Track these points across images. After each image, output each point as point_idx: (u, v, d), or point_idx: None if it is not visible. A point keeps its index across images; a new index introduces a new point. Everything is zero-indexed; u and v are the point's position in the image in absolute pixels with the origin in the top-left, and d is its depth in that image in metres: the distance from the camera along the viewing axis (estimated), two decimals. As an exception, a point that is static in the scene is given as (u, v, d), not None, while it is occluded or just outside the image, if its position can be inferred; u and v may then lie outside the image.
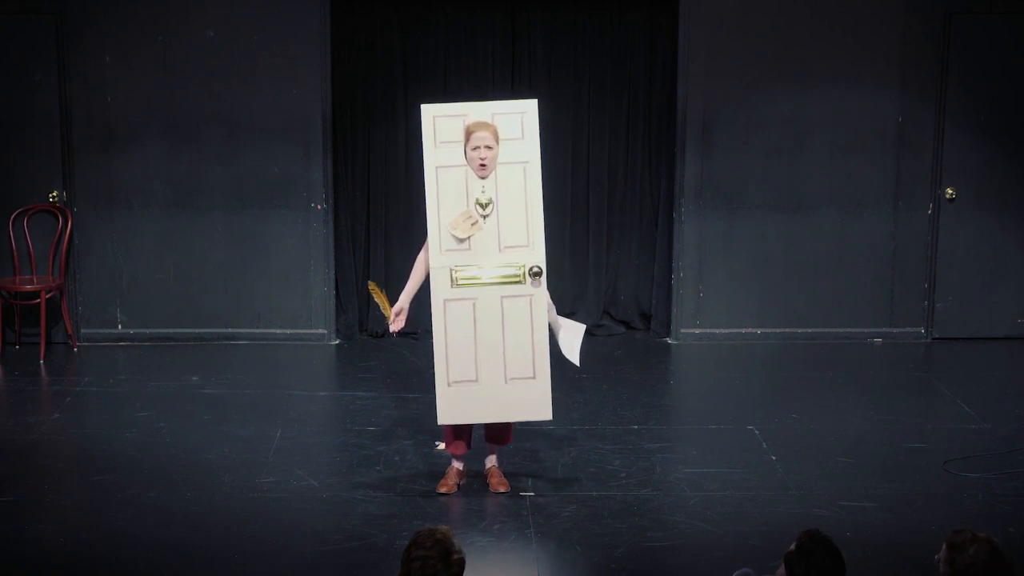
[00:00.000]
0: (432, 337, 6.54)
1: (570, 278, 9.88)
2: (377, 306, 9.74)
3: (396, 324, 6.69)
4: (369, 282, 7.33)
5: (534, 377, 6.53)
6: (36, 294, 9.15)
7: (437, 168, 6.46)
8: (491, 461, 6.82)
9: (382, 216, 9.70)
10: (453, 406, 6.51)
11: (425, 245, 6.57)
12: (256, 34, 9.20)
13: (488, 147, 6.42)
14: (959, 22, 9.29)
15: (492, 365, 6.50)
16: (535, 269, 6.49)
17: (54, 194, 9.28)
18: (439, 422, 6.58)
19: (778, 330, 9.61)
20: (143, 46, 9.17)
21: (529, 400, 6.54)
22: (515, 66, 9.60)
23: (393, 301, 9.99)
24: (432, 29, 9.54)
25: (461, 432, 6.69)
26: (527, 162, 6.50)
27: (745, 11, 9.28)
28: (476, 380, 6.50)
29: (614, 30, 9.57)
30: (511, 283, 6.49)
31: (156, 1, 9.13)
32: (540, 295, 6.52)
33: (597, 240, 9.84)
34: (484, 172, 6.45)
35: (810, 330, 9.62)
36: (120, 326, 9.48)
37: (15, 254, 9.25)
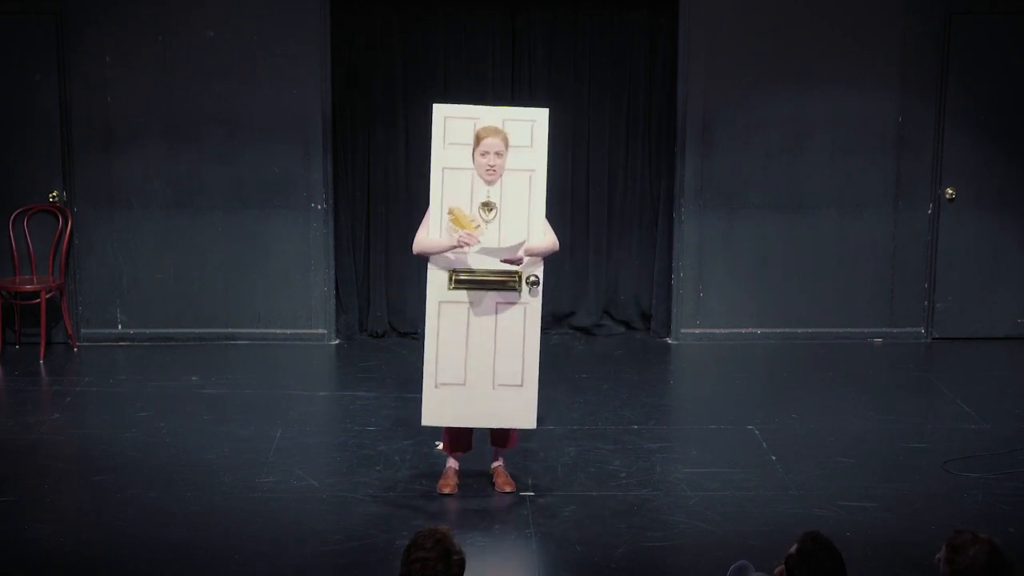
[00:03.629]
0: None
1: (570, 278, 9.87)
2: (378, 305, 9.78)
3: (473, 237, 6.36)
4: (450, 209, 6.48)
5: (522, 385, 6.53)
6: (36, 294, 9.15)
7: (444, 169, 6.44)
8: (497, 461, 6.82)
9: (382, 216, 9.70)
10: (438, 408, 6.52)
11: (423, 224, 6.48)
12: (256, 34, 9.20)
13: (498, 154, 6.38)
14: (959, 22, 9.28)
15: (481, 370, 6.50)
16: (532, 279, 6.47)
17: (54, 194, 9.28)
18: (423, 423, 6.60)
19: (778, 330, 9.61)
20: (143, 46, 9.17)
21: (514, 408, 6.54)
22: (515, 66, 9.60)
23: (397, 299, 10.00)
24: (432, 29, 9.53)
25: (460, 433, 6.69)
26: (533, 171, 6.47)
27: (745, 11, 9.28)
28: (464, 384, 6.50)
29: (614, 30, 9.56)
30: (507, 290, 6.48)
31: (156, 1, 9.13)
32: (535, 304, 6.51)
33: (597, 240, 9.84)
34: (492, 178, 6.42)
35: (810, 330, 9.61)
36: (120, 326, 9.48)
37: (15, 254, 9.25)
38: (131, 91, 9.20)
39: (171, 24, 9.15)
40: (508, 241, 6.42)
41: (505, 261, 6.41)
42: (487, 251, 6.39)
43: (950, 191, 9.48)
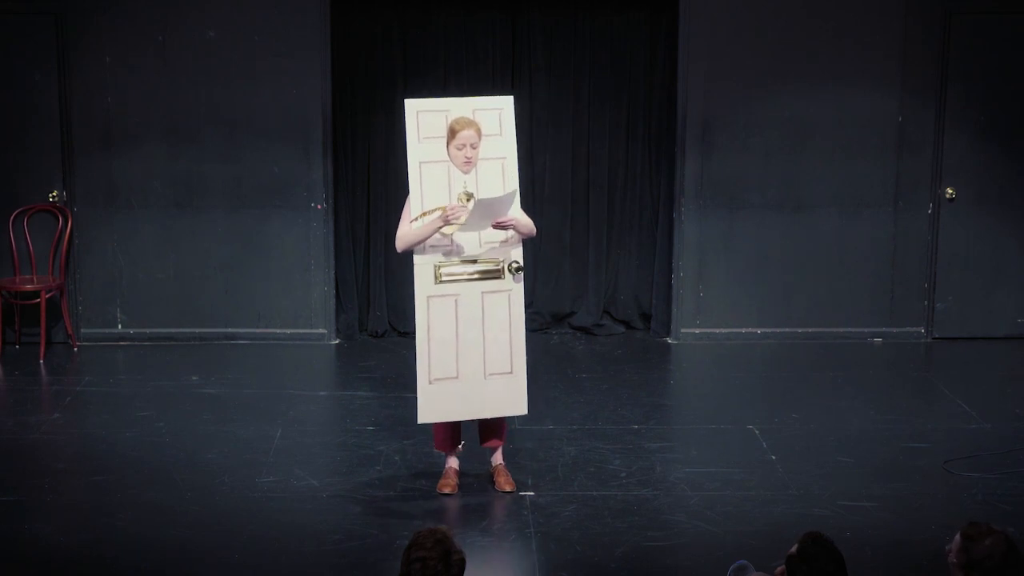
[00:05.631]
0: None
1: (570, 278, 9.88)
2: (378, 305, 9.78)
3: (455, 210, 6.35)
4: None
5: (511, 372, 6.57)
6: (36, 294, 9.15)
7: (420, 164, 6.48)
8: (497, 459, 6.82)
9: (382, 216, 9.70)
10: (433, 404, 6.52)
11: (403, 220, 6.51)
12: (256, 34, 9.20)
13: (472, 146, 6.46)
14: (959, 22, 9.29)
15: (472, 361, 6.52)
16: (515, 265, 6.51)
17: (54, 194, 9.28)
18: (419, 421, 6.59)
19: (778, 330, 9.61)
20: (143, 46, 9.17)
21: (506, 395, 6.58)
22: (515, 67, 9.60)
23: (397, 299, 9.98)
24: (432, 29, 9.53)
25: (450, 430, 6.69)
26: (504, 157, 6.55)
27: (745, 11, 9.28)
28: (457, 377, 6.52)
29: (614, 30, 9.57)
30: (492, 279, 6.51)
31: (156, 1, 9.14)
32: (518, 289, 6.54)
33: (597, 240, 9.84)
34: (468, 168, 6.48)
35: (810, 330, 9.61)
36: (120, 326, 9.48)
37: (15, 254, 9.25)
38: (131, 91, 9.20)
39: (171, 24, 9.16)
40: (489, 231, 6.44)
41: (496, 226, 6.41)
42: (482, 207, 6.35)
43: (950, 191, 9.48)
